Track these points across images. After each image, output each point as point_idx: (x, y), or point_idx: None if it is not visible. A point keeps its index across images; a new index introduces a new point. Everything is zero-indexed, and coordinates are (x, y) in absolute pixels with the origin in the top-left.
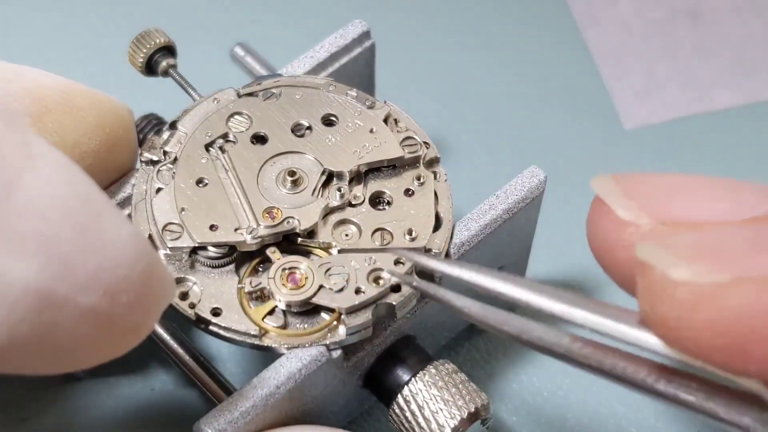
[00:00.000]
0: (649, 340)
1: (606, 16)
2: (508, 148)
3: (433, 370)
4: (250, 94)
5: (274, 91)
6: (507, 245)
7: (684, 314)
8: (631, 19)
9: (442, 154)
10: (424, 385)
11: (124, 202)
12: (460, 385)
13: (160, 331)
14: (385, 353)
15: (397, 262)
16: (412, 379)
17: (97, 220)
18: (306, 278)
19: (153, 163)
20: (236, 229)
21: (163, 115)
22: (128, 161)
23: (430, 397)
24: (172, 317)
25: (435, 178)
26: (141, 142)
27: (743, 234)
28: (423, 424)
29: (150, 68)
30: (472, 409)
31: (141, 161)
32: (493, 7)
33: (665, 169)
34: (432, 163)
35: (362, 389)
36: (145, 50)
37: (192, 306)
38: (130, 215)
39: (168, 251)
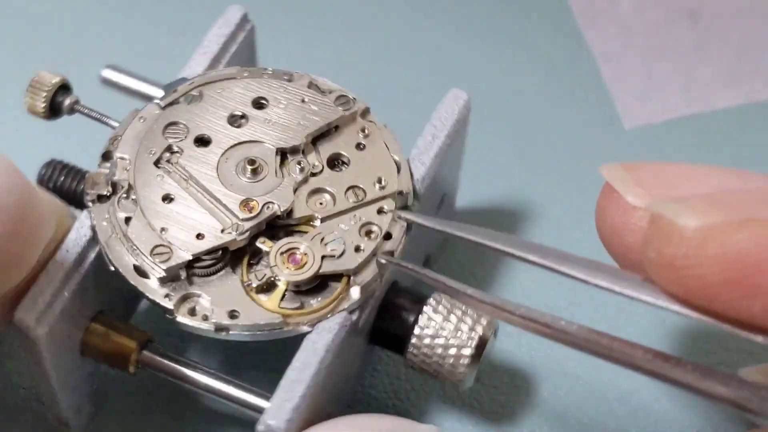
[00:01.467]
0: (653, 295)
1: (606, 16)
2: (509, 149)
3: (434, 302)
4: (172, 103)
5: (194, 93)
6: (447, 172)
7: (692, 251)
8: (631, 19)
9: None
10: (431, 318)
11: (87, 246)
12: (463, 307)
13: (168, 362)
14: (381, 306)
15: (379, 211)
16: (419, 317)
17: None
18: (306, 255)
19: (102, 198)
20: (222, 231)
21: (73, 154)
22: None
23: (442, 326)
24: (187, 340)
25: (376, 126)
26: (60, 190)
27: (752, 192)
28: (442, 352)
29: (54, 111)
30: (489, 318)
31: (87, 200)
32: (493, 7)
33: None
34: (365, 114)
35: (368, 346)
36: (44, 94)
37: (205, 318)
38: (105, 254)
39: (164, 274)
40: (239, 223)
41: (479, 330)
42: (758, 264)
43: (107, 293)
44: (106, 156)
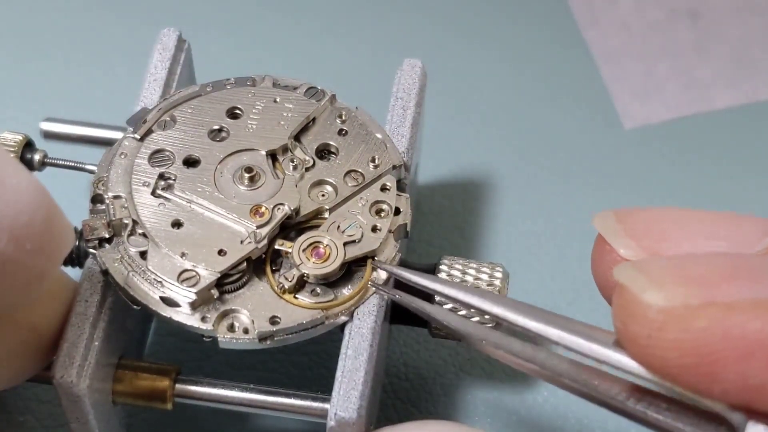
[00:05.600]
0: (622, 360)
1: (606, 16)
2: (509, 149)
3: (446, 267)
4: (147, 133)
5: (166, 119)
6: (419, 142)
7: (654, 333)
8: (631, 19)
9: None
10: (451, 276)
11: (104, 292)
12: (475, 264)
13: (207, 389)
14: (396, 284)
15: (383, 189)
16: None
17: None
18: (328, 246)
19: (104, 241)
20: (241, 242)
21: None
22: None
23: (463, 279)
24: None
25: (349, 110)
26: None
27: (720, 262)
28: (467, 313)
29: None
30: (502, 268)
31: (89, 247)
32: (493, 8)
33: (665, 169)
34: (333, 100)
35: (389, 328)
36: (12, 154)
37: (246, 331)
38: (126, 295)
39: (195, 297)
40: (255, 231)
41: (497, 283)
42: (715, 353)
43: (124, 337)
44: (96, 199)
